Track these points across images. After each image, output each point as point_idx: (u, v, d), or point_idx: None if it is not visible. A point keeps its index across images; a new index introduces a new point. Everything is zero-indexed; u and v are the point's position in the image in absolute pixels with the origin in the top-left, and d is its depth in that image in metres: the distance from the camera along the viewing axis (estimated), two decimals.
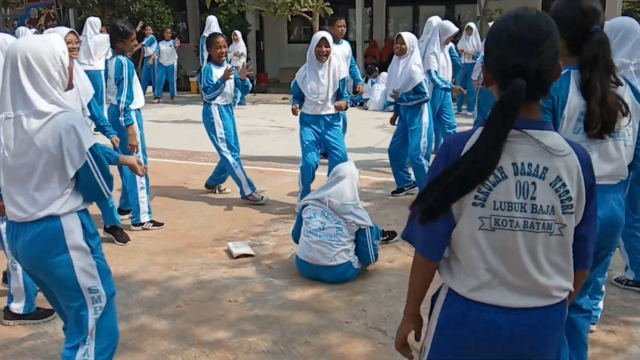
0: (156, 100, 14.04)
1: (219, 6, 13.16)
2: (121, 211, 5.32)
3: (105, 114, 5.26)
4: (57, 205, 2.36)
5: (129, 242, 4.85)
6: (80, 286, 2.45)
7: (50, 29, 4.98)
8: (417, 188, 6.01)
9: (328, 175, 4.79)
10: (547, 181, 1.57)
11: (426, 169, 5.70)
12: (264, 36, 18.52)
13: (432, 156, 6.08)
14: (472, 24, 10.21)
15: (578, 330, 2.61)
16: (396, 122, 6.19)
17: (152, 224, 5.18)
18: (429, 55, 6.84)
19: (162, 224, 5.23)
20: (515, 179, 1.56)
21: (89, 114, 4.67)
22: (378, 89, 12.35)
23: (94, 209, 2.89)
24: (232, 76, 5.62)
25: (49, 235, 2.38)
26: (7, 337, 3.38)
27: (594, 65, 2.32)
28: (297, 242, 4.23)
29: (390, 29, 17.12)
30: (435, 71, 6.76)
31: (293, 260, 4.26)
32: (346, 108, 5.56)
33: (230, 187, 6.35)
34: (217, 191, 6.32)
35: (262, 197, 5.90)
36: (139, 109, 5.14)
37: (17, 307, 3.49)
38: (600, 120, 2.30)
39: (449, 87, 6.90)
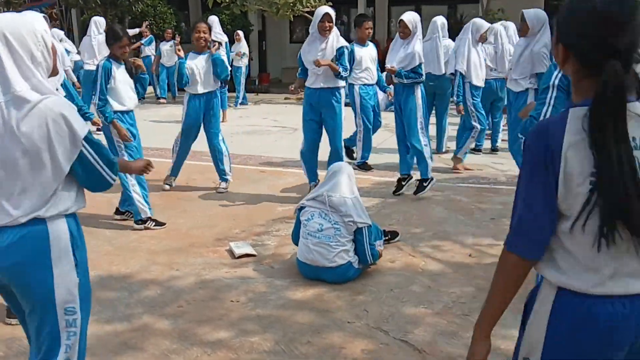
0: (163, 101, 14.08)
1: (221, 6, 13.21)
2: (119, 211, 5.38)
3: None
4: (45, 206, 2.04)
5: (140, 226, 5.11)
6: (56, 305, 2.11)
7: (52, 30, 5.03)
8: (412, 180, 6.08)
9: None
10: None
11: (425, 151, 5.81)
12: (266, 36, 18.55)
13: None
14: None
15: None
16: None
17: (154, 224, 5.19)
18: (458, 54, 6.85)
19: (164, 224, 5.23)
20: (636, 154, 1.47)
21: (64, 94, 4.72)
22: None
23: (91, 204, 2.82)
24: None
25: (32, 241, 2.05)
26: (9, 336, 3.37)
27: None
28: (297, 245, 4.23)
29: (392, 29, 17.11)
30: (460, 73, 6.78)
31: (294, 260, 4.25)
32: (338, 75, 5.63)
33: (228, 186, 6.36)
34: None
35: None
36: (126, 111, 5.16)
37: None
38: None
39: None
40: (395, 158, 6.40)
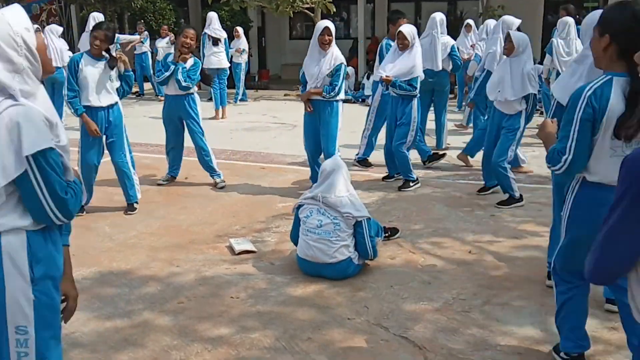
0: (162, 98, 14.07)
1: (220, 2, 13.15)
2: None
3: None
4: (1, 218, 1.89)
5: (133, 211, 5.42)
6: (6, 322, 1.93)
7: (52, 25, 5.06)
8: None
9: None
10: None
11: (408, 158, 6.10)
12: (265, 32, 18.50)
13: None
14: (470, 21, 10.18)
15: None
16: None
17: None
18: (490, 55, 6.77)
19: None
20: None
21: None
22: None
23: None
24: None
25: None
26: None
27: None
28: (296, 244, 4.22)
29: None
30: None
31: (295, 256, 4.25)
32: (328, 98, 5.67)
33: (226, 185, 6.35)
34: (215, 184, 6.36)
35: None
36: (96, 107, 5.20)
37: None
38: (638, 127, 2.36)
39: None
40: None
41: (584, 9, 14.01)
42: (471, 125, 8.38)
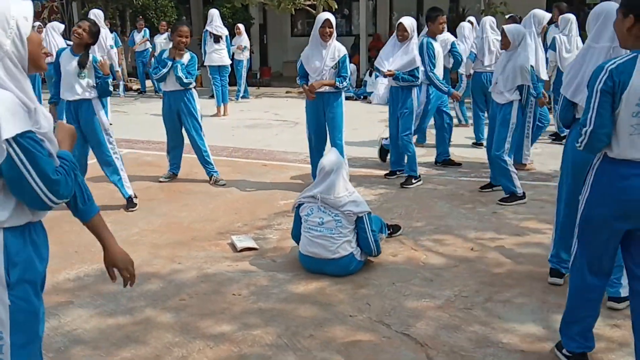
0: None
1: None
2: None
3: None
4: None
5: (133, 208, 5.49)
6: None
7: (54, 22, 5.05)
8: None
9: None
10: None
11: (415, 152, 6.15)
12: (267, 29, 18.49)
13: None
14: (471, 18, 10.16)
15: None
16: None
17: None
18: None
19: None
20: None
21: None
22: (382, 83, 12.24)
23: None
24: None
25: None
26: None
27: None
28: (298, 243, 4.22)
29: (394, 23, 17.06)
30: (531, 66, 6.19)
31: (297, 253, 4.25)
32: (342, 89, 5.75)
33: (228, 182, 6.35)
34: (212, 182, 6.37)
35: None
36: (71, 101, 5.22)
37: None
38: None
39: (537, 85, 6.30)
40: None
41: (586, 5, 13.98)
42: (471, 122, 8.37)
